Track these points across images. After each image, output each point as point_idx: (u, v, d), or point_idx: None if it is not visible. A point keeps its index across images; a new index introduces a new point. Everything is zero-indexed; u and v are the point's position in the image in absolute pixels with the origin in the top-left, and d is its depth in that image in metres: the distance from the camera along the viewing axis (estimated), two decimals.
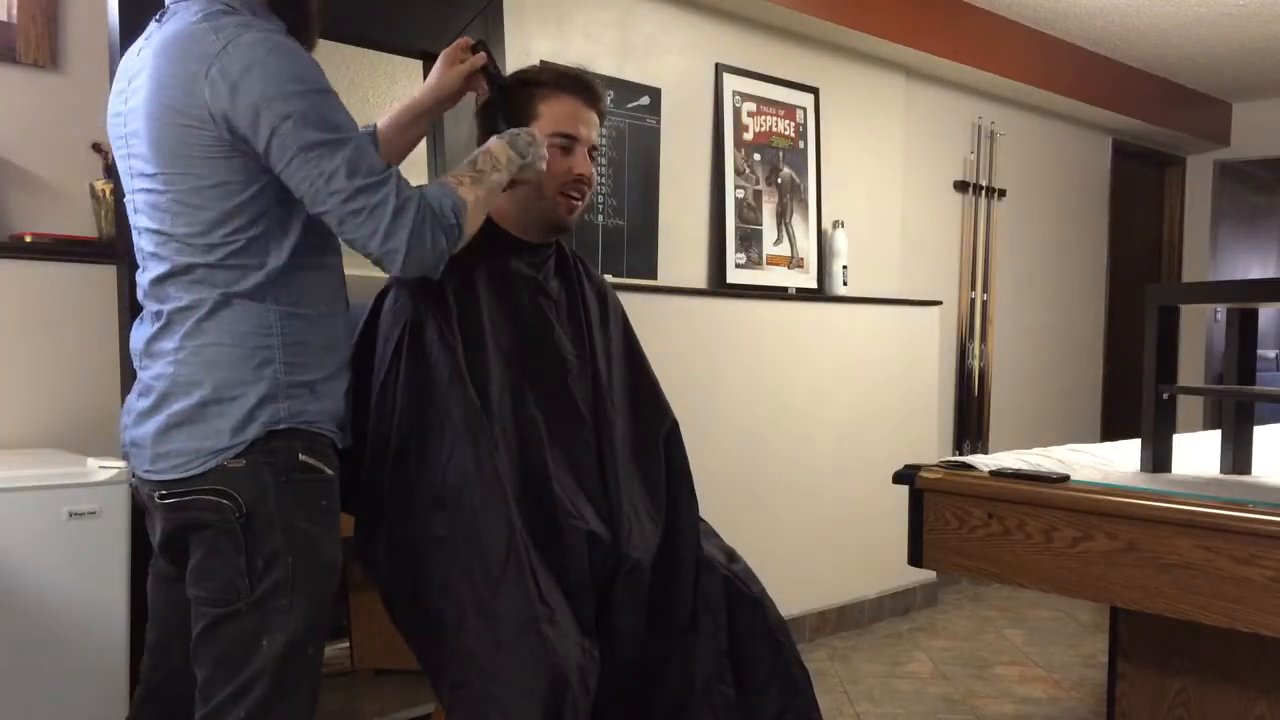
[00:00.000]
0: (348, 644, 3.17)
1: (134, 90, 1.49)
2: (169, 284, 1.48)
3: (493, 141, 1.66)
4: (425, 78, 1.89)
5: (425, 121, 1.86)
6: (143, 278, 1.53)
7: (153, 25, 1.52)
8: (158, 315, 1.50)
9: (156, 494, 1.49)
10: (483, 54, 1.78)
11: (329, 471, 1.54)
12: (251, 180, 1.45)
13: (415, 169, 2.74)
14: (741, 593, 1.86)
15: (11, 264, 2.21)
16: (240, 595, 1.45)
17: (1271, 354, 6.08)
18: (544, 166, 1.71)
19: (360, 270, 1.72)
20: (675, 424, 1.98)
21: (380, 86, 3.27)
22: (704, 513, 1.97)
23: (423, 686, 1.94)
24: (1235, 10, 4.37)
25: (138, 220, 1.52)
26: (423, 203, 1.47)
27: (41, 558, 1.85)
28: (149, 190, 1.48)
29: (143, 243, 1.52)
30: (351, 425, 1.76)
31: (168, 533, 1.53)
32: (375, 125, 1.82)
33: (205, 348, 1.46)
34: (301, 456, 1.50)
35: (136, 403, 1.53)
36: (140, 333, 1.54)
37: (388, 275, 1.82)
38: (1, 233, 2.23)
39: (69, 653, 1.89)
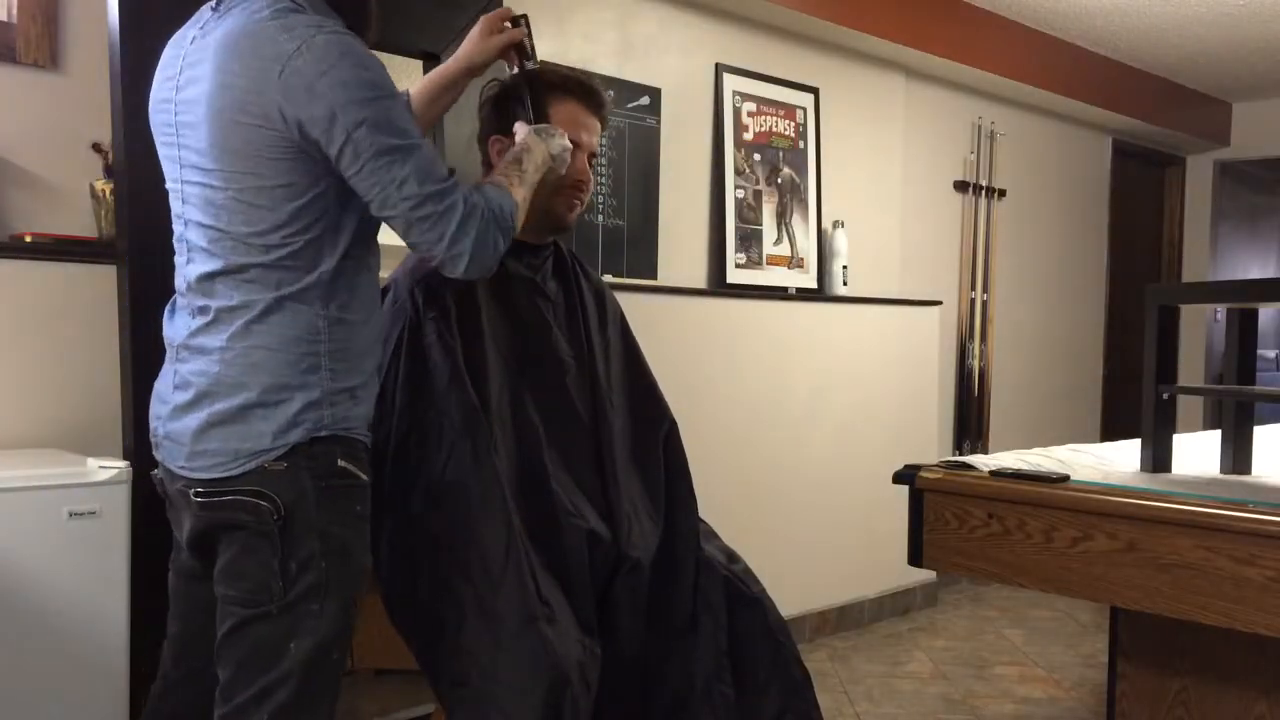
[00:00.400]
0: None
1: (189, 81, 1.46)
2: (219, 281, 1.46)
3: (533, 139, 1.69)
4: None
5: (452, 94, 1.86)
6: (188, 269, 1.51)
7: (208, 13, 1.49)
8: (203, 310, 1.48)
9: (191, 491, 1.48)
10: (523, 28, 1.78)
11: (364, 477, 1.54)
12: (315, 182, 1.44)
13: None
14: (742, 593, 1.86)
15: (11, 264, 2.21)
16: (273, 597, 1.44)
17: (1271, 354, 6.07)
18: (564, 170, 1.75)
19: None
20: (674, 424, 1.98)
21: None
22: (703, 512, 1.97)
23: (423, 686, 1.93)
24: (1235, 10, 4.37)
25: (186, 211, 1.50)
26: (485, 208, 1.50)
27: (41, 558, 1.85)
28: (204, 185, 1.46)
29: (190, 235, 1.50)
30: None
31: (198, 530, 1.51)
32: (408, 92, 1.79)
33: (253, 350, 1.45)
34: (340, 462, 1.49)
35: (173, 395, 1.50)
36: (180, 324, 1.52)
37: (387, 274, 1.83)
38: (1, 233, 2.23)
39: (69, 653, 1.89)
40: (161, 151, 1.55)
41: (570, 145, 1.75)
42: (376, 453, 1.73)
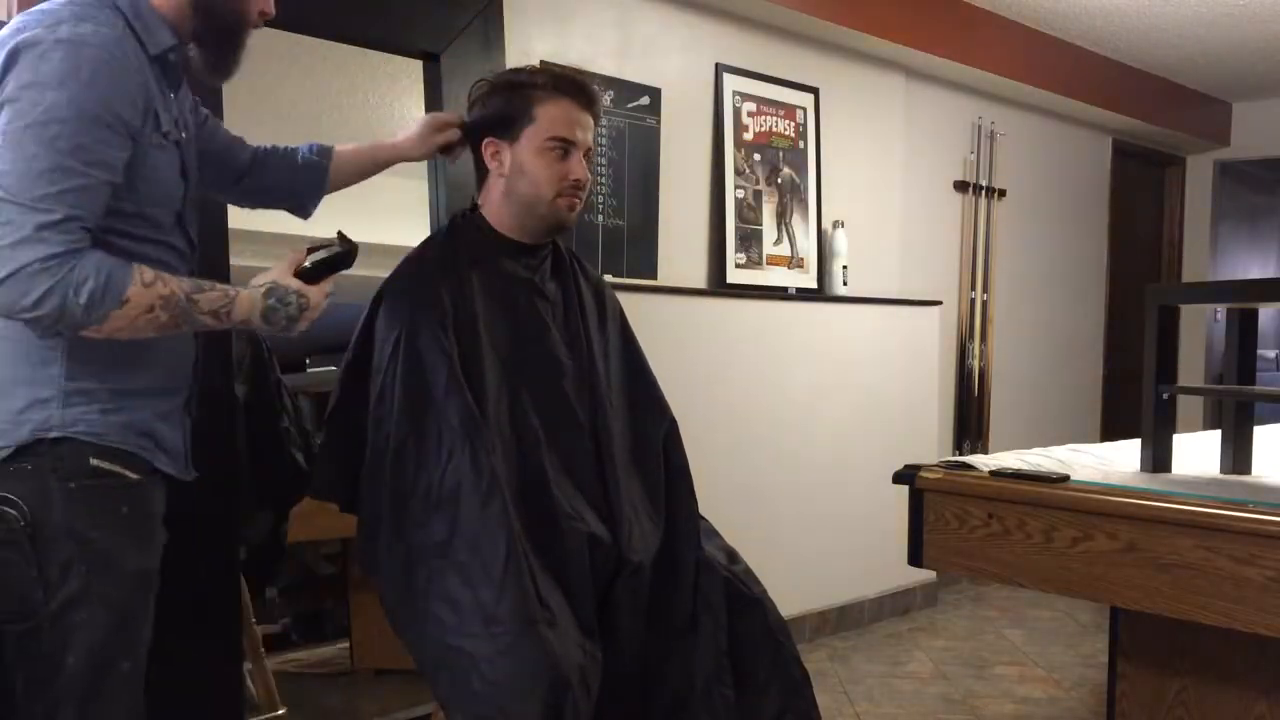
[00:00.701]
0: (348, 644, 3.17)
1: None
2: None
3: (255, 304, 1.46)
4: (425, 78, 1.88)
5: (375, 170, 1.89)
6: None
7: None
8: None
9: None
10: (459, 134, 1.85)
11: (132, 476, 1.42)
12: None
13: (415, 170, 2.74)
14: (742, 593, 1.86)
15: None
16: (38, 609, 1.35)
17: (1271, 354, 6.07)
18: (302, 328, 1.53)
19: (357, 270, 1.71)
20: (674, 424, 1.98)
21: (381, 87, 3.26)
22: (703, 512, 1.97)
23: (422, 686, 1.93)
24: (1235, 10, 4.37)
25: None
26: (59, 264, 1.25)
27: None
28: None
29: None
30: (350, 428, 1.75)
31: None
32: (320, 147, 1.83)
33: None
34: (94, 461, 1.38)
35: None
36: None
37: (385, 277, 1.83)
38: None
39: None
40: None
41: (305, 324, 1.51)
42: (376, 455, 1.73)
